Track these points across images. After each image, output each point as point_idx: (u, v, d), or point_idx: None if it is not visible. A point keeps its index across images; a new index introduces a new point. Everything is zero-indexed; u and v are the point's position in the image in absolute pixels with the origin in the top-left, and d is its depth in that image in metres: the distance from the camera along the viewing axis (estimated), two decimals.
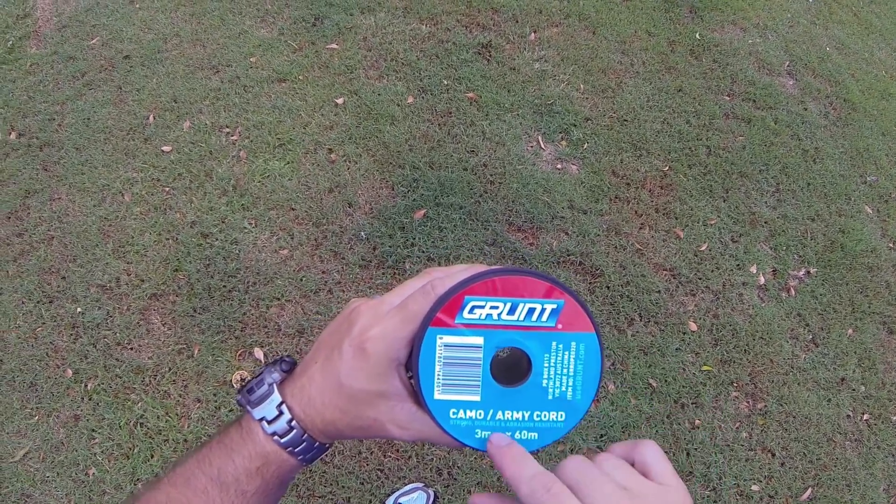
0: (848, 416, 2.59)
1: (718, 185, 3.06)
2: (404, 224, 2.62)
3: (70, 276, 2.39)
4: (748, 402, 2.51)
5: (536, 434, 0.45)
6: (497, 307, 0.43)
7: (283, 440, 0.47)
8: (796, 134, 3.39)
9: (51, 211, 2.54)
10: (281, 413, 0.47)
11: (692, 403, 2.44)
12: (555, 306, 0.43)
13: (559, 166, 2.96)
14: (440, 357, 0.43)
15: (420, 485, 2.10)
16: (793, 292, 2.83)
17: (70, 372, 2.21)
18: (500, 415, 0.44)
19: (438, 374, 0.43)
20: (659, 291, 2.65)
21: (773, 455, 2.41)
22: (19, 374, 2.19)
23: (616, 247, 2.75)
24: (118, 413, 2.14)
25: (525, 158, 2.93)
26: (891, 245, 3.17)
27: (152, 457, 2.08)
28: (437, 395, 0.43)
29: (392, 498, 2.06)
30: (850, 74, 3.86)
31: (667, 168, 3.06)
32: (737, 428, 2.43)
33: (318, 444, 0.49)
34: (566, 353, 0.44)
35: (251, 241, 2.53)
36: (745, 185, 3.11)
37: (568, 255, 2.67)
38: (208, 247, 2.49)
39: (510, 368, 0.46)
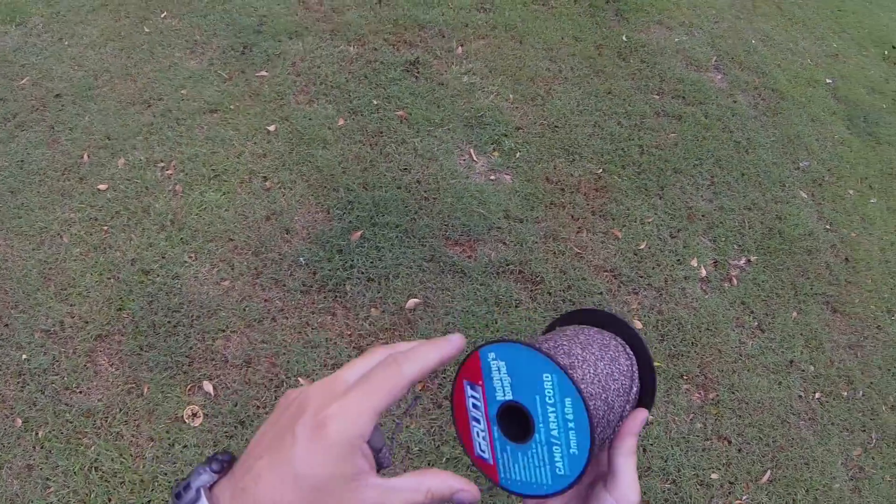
0: (800, 396, 2.61)
1: (653, 182, 3.09)
2: (342, 247, 2.59)
3: (13, 322, 2.33)
4: (700, 394, 2.52)
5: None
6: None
7: None
8: (727, 126, 3.46)
9: None
10: None
11: None
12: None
13: (492, 177, 2.97)
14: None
15: None
16: (735, 282, 2.87)
17: (19, 421, 2.14)
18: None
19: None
20: (601, 293, 2.66)
21: (730, 442, 2.42)
22: None
23: (555, 252, 2.75)
24: (72, 459, 2.08)
25: (458, 172, 2.93)
26: (828, 227, 3.24)
27: (109, 501, 2.02)
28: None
29: None
30: (776, 65, 3.96)
31: (600, 170, 3.09)
32: (691, 420, 2.44)
33: None
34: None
35: (192, 274, 2.49)
36: (679, 180, 3.15)
37: (507, 265, 2.66)
38: (150, 283, 2.45)
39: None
